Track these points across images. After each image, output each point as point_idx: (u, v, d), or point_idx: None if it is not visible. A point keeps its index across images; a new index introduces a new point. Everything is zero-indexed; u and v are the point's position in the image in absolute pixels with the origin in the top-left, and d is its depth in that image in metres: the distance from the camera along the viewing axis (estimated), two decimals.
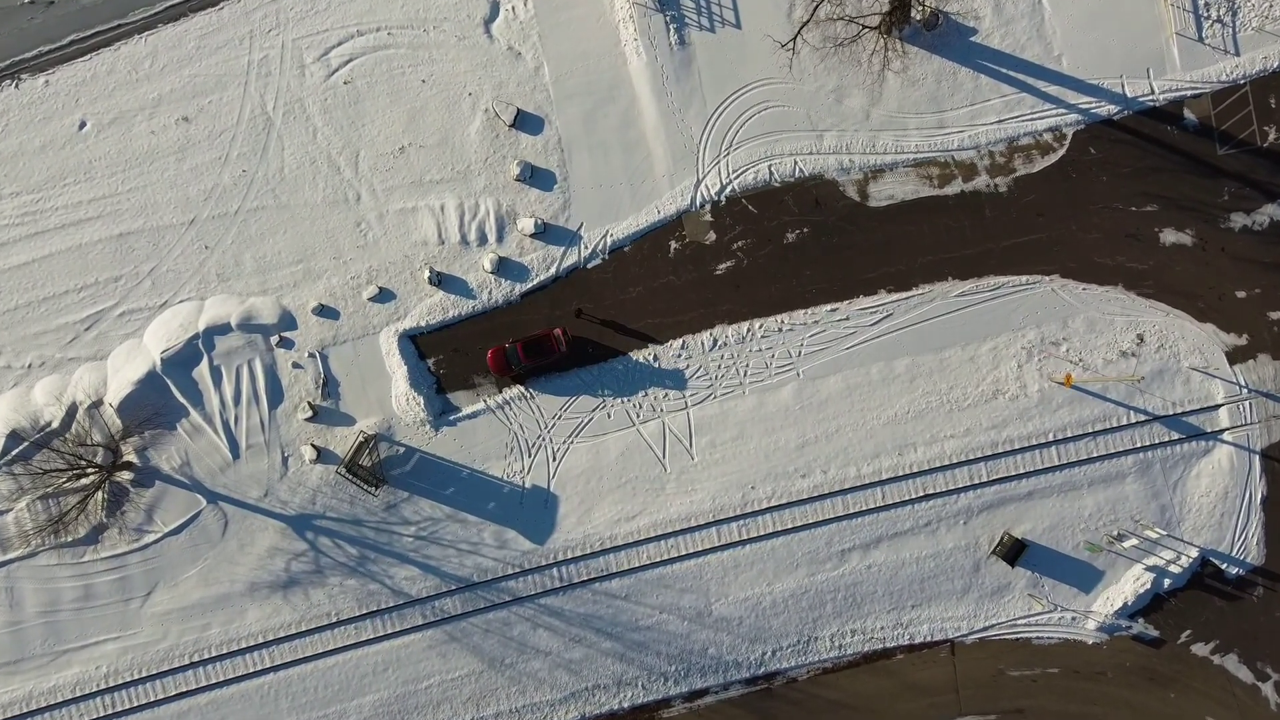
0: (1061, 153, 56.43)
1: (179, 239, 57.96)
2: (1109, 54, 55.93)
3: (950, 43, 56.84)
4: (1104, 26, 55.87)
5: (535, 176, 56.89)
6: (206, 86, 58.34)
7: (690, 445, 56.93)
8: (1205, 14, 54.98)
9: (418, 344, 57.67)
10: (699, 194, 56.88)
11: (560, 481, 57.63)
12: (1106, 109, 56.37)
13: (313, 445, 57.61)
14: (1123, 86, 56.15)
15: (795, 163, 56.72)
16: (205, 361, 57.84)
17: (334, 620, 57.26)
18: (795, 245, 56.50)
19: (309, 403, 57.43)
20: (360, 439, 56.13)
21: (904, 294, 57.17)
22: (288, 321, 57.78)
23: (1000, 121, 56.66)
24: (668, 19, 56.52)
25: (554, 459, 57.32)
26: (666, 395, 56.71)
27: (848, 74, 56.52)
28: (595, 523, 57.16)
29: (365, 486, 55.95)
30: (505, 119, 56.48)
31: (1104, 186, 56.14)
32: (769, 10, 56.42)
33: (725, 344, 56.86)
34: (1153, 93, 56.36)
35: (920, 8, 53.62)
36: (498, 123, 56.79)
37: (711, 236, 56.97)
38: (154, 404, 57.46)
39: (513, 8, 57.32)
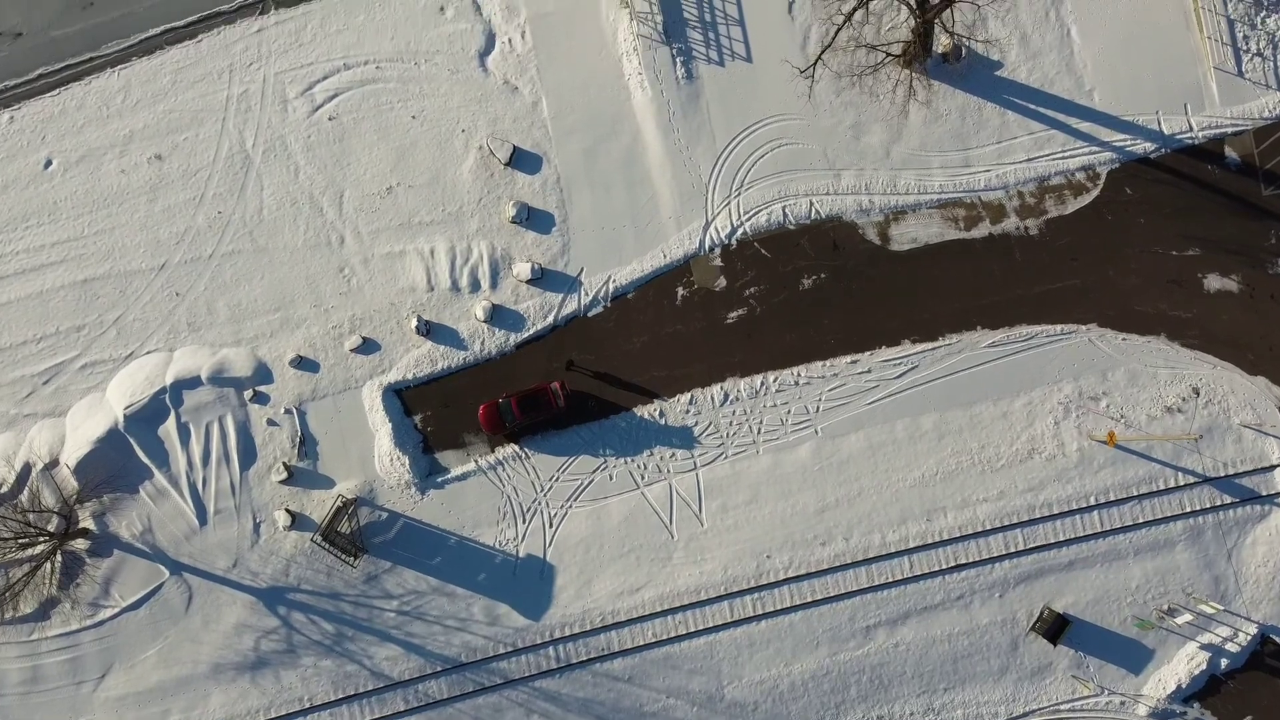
0: (1096, 193, 51.18)
1: (148, 285, 52.14)
2: (1143, 88, 51.02)
3: (975, 76, 52.02)
4: (1137, 60, 51.07)
5: (532, 218, 51.33)
6: (182, 123, 53.30)
7: (700, 510, 51.10)
8: (1244, 47, 50.33)
9: (403, 399, 51.61)
10: (708, 237, 51.55)
11: (558, 550, 51.97)
12: (1142, 146, 51.33)
13: (287, 510, 51.31)
14: (1159, 123, 51.11)
15: (811, 203, 51.30)
16: (172, 418, 51.77)
17: (307, 706, 50.83)
18: (812, 292, 51.03)
19: (284, 463, 51.10)
20: (338, 503, 49.69)
21: (930, 344, 52.34)
22: (263, 374, 51.79)
23: (1029, 160, 51.58)
24: (674, 51, 51.61)
25: (551, 525, 50.94)
26: (673, 455, 50.62)
27: (866, 109, 51.70)
28: (596, 596, 51.48)
29: (343, 556, 49.67)
30: (500, 157, 51.17)
31: (1142, 229, 50.70)
32: (781, 42, 51.84)
33: (737, 399, 50.74)
34: (1191, 129, 51.40)
35: (944, 39, 48.42)
36: (492, 161, 51.46)
37: (722, 282, 51.34)
38: (114, 465, 51.25)
39: (509, 40, 52.38)
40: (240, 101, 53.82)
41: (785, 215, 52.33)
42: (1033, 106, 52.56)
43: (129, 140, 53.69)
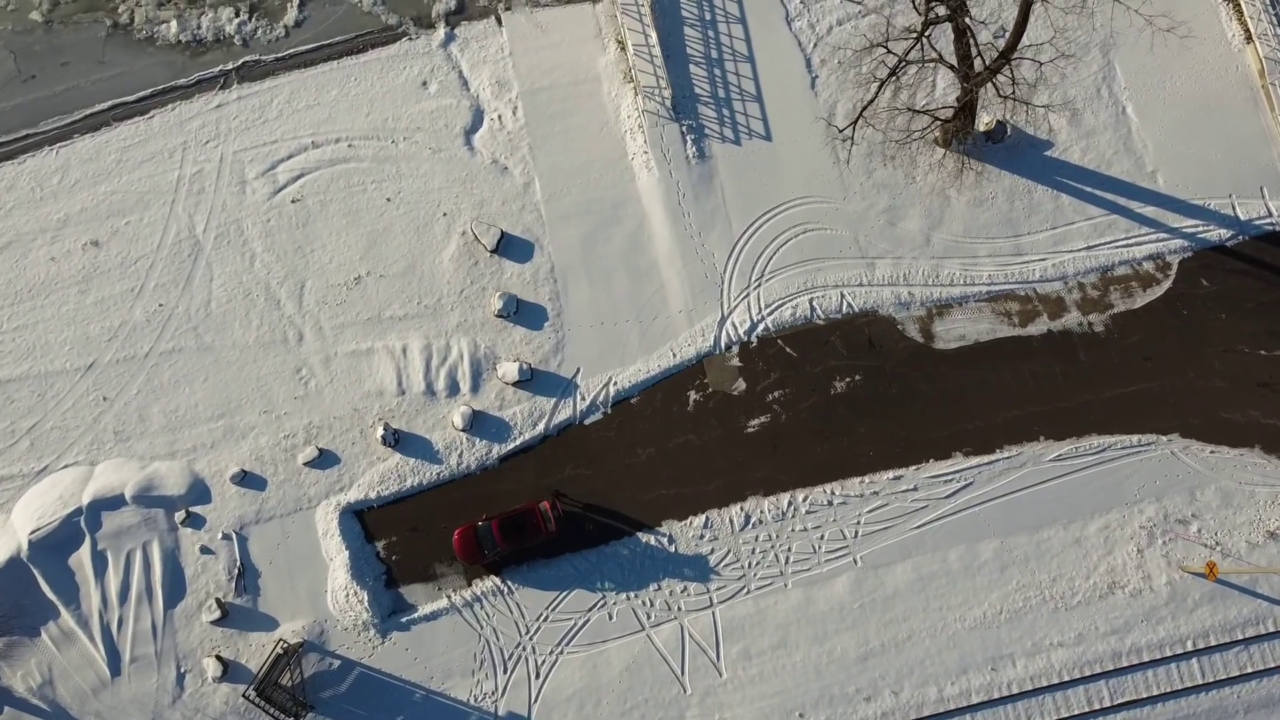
0: (1167, 285, 42.56)
1: (71, 388, 42.43)
2: (1213, 170, 43.22)
3: (1022, 156, 44.27)
4: (1204, 140, 43.65)
5: (521, 312, 42.32)
6: (125, 206, 45.20)
7: (718, 657, 42.52)
8: None
9: (364, 522, 41.55)
10: (724, 333, 42.62)
11: (546, 707, 42.97)
12: (1217, 233, 43.20)
13: (218, 657, 40.71)
14: (1234, 207, 43.04)
15: (842, 295, 42.44)
16: (87, 545, 41.92)
17: None
18: (846, 396, 43.06)
19: (218, 600, 40.58)
20: (279, 649, 38.91)
21: (985, 458, 44.33)
22: (199, 493, 41.88)
23: (1089, 248, 43.22)
24: (684, 129, 43.54)
25: (538, 675, 40.38)
26: (685, 589, 40.98)
27: (902, 192, 43.78)
28: None
29: (281, 716, 38.13)
30: (486, 243, 42.40)
31: (1223, 325, 41.78)
32: (804, 118, 43.56)
33: (761, 521, 40.76)
34: (1270, 214, 42.91)
35: (985, 118, 43.98)
36: (477, 248, 42.67)
37: (740, 385, 41.74)
38: (11, 601, 41.40)
39: (499, 116, 44.29)
40: (193, 182, 45.41)
41: (813, 309, 43.20)
42: (1089, 189, 44.49)
43: (63, 225, 45.57)
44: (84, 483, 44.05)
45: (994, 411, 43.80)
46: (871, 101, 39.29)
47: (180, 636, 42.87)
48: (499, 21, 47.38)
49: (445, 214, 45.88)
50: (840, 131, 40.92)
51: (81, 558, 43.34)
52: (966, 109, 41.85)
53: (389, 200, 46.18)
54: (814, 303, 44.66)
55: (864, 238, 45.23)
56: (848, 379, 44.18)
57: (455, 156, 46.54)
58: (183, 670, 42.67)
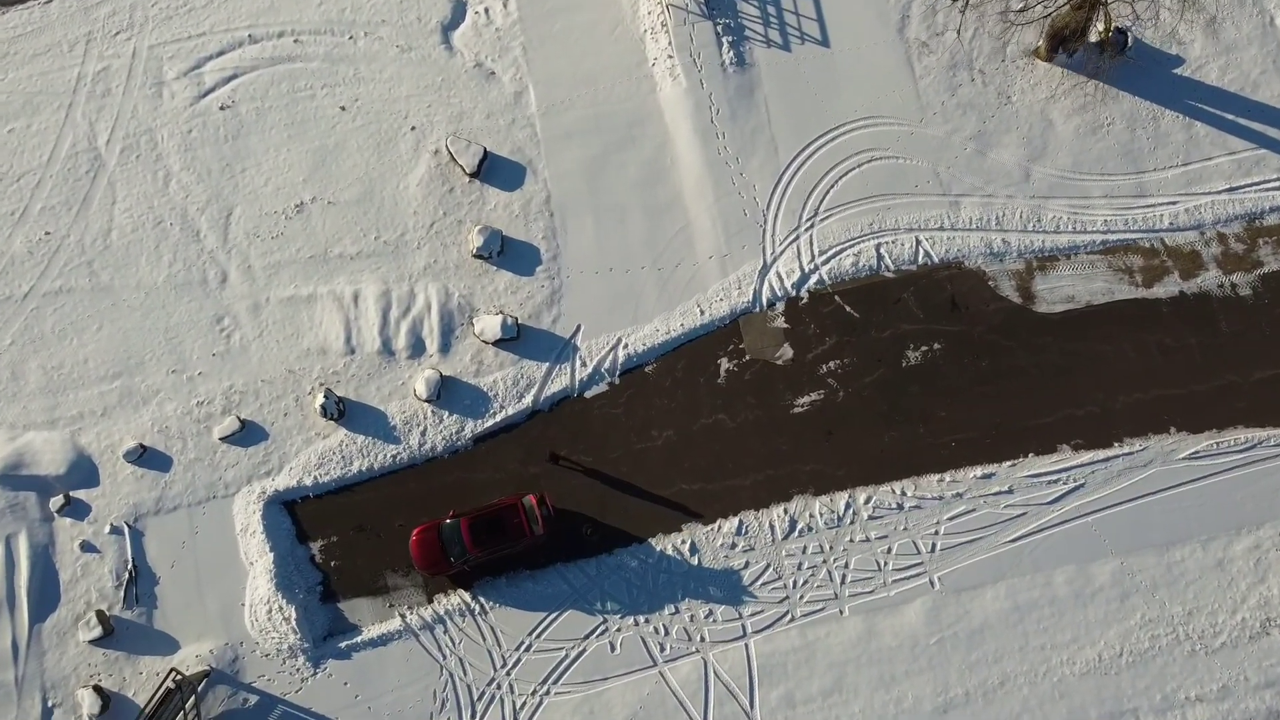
0: None
1: None
2: None
3: (1147, 75, 33.11)
4: None
5: (507, 253, 30.82)
6: (9, 109, 34.78)
7: (751, 704, 31.96)
8: None
9: (296, 517, 30.67)
10: (767, 286, 31.13)
11: None
12: None
13: (97, 688, 30.54)
14: None
15: (918, 242, 30.33)
16: None
17: None
18: (921, 370, 31.29)
19: (100, 613, 30.05)
20: (172, 682, 26.43)
21: (1100, 453, 32.59)
22: (84, 473, 31.34)
23: (1231, 190, 31.41)
24: (719, 28, 31.41)
25: None
26: (711, 615, 30.34)
27: (994, 115, 31.56)
28: None
29: None
30: (465, 165, 30.50)
31: None
32: (868, 20, 33.91)
33: (810, 529, 29.29)
34: None
35: (1098, 26, 31.99)
36: (453, 171, 30.73)
37: (786, 353, 29.66)
38: None
39: (486, 9, 33.17)
40: (96, 82, 33.68)
41: (880, 258, 30.93)
42: (1231, 117, 32.73)
43: None
44: None
45: (1111, 395, 31.72)
46: None
47: (49, 659, 30.43)
48: None
49: (414, 128, 33.48)
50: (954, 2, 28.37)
51: None
52: (1083, 7, 29.62)
53: (343, 109, 33.93)
54: (882, 250, 32.22)
55: (946, 170, 32.88)
56: (924, 348, 31.64)
57: (429, 57, 34.27)
58: (50, 704, 30.39)
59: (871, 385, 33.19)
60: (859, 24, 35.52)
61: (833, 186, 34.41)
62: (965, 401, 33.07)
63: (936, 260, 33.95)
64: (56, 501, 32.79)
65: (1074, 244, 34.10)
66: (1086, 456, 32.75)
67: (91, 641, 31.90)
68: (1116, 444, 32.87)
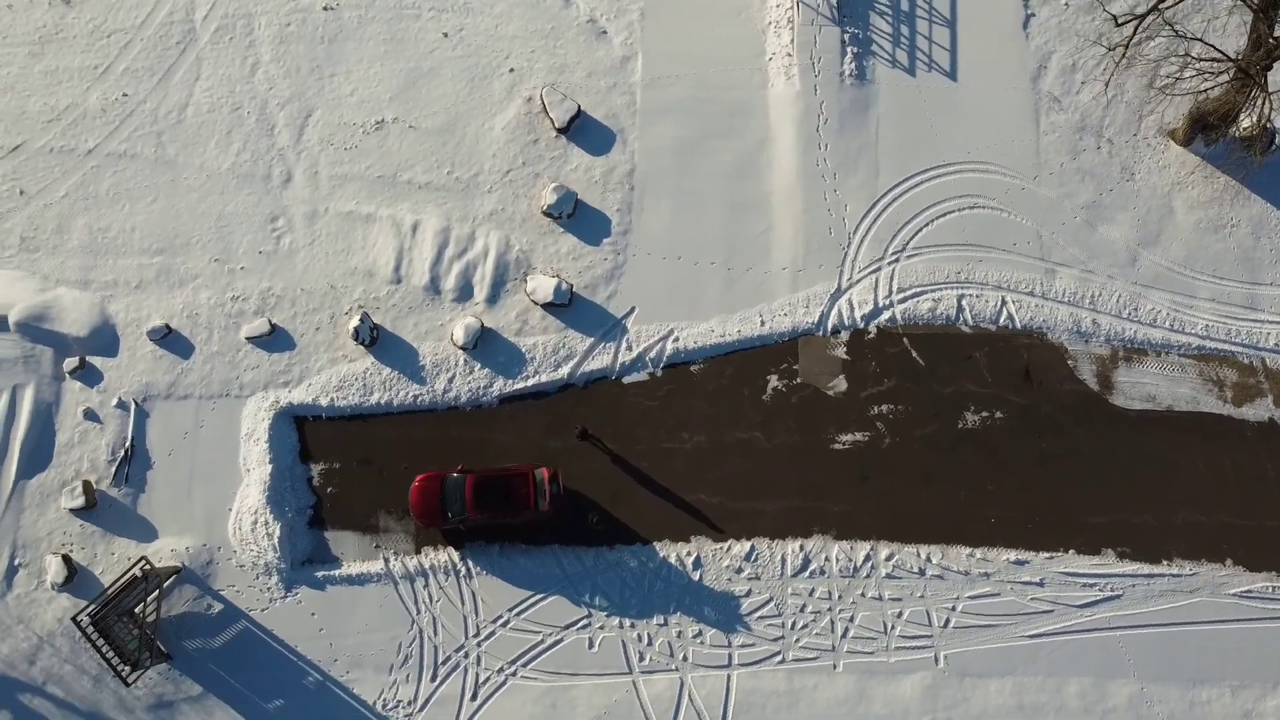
0: None
1: None
2: None
3: None
4: None
5: (578, 216, 29.70)
6: None
7: None
8: None
9: (304, 434, 28.50)
10: (835, 311, 28.34)
11: None
12: None
13: (65, 558, 29.41)
14: None
15: (1004, 302, 28.10)
16: None
17: None
18: (977, 435, 29.91)
19: (87, 484, 29.28)
20: (140, 571, 24.89)
21: (1146, 567, 31.19)
22: (105, 340, 30.66)
23: None
24: (845, 37, 29.37)
25: (474, 697, 29.55)
26: (700, 635, 29.08)
27: (1114, 188, 29.15)
28: None
29: (115, 660, 29.36)
30: (555, 119, 29.18)
31: None
32: (1005, 62, 31.41)
33: (823, 571, 27.68)
34: None
35: (1244, 122, 30.18)
36: (541, 122, 29.70)
37: (840, 385, 27.50)
38: None
39: None
40: None
41: (961, 309, 28.77)
42: None
43: None
44: None
45: (1172, 509, 29.15)
46: (1157, 5, 24.18)
47: (26, 518, 29.45)
48: None
49: (512, 70, 31.76)
50: (1117, 23, 25.88)
51: None
52: (1241, 91, 27.05)
53: (445, 36, 32.37)
54: (964, 301, 29.86)
55: (1050, 235, 30.50)
56: (985, 413, 29.22)
57: (544, 2, 32.09)
58: (16, 562, 29.31)
59: (921, 439, 30.81)
60: (993, 65, 33.17)
61: (927, 225, 32.10)
62: (1016, 479, 30.60)
63: (1018, 325, 31.50)
64: (71, 363, 31.50)
65: (1168, 342, 31.46)
66: (1131, 567, 30.20)
67: (72, 510, 30.63)
68: (1166, 561, 30.24)
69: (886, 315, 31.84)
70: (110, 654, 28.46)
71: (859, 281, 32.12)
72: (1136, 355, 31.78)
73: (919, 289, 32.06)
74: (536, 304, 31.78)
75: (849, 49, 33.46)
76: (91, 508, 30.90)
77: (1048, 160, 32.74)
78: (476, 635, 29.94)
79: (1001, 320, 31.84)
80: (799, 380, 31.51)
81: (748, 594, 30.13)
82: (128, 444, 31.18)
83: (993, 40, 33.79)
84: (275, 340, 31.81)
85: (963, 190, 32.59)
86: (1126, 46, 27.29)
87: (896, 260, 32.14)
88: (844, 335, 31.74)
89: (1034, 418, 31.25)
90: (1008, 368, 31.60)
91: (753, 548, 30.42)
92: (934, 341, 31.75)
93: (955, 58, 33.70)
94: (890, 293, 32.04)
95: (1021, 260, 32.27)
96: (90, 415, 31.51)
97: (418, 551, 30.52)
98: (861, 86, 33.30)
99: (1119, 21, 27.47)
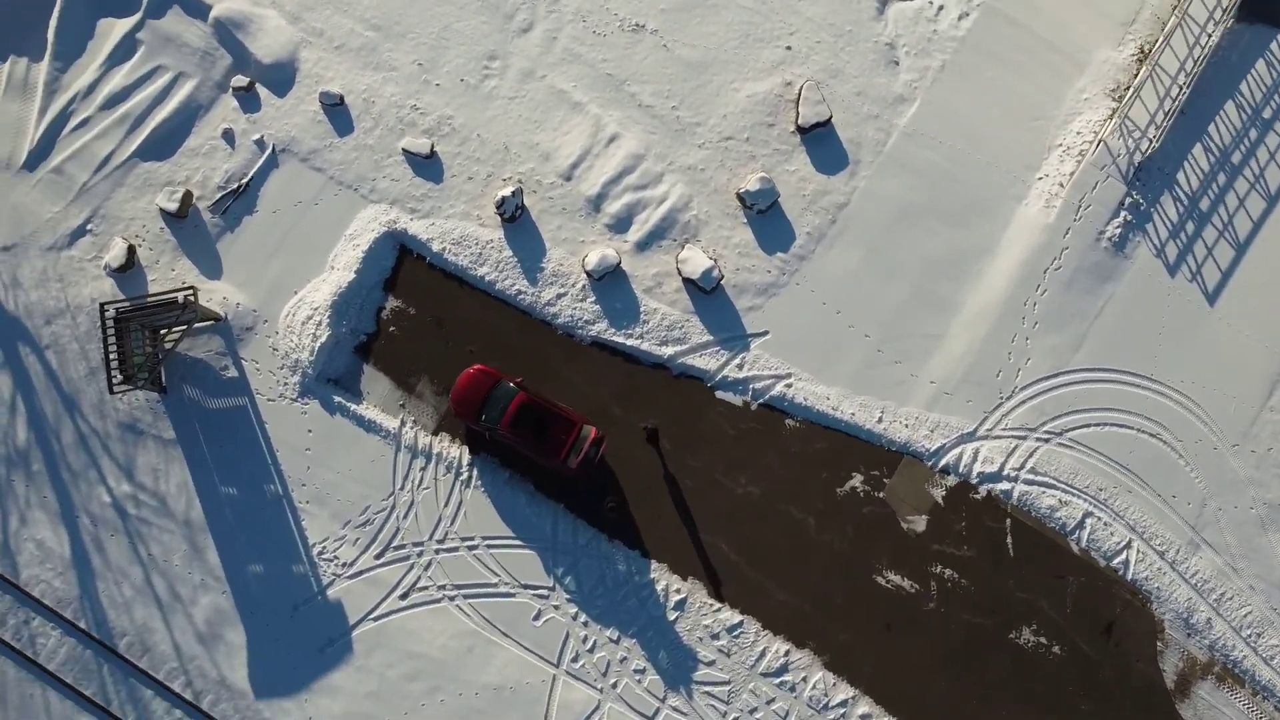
0: None
1: None
2: None
3: None
4: None
5: (767, 216, 26.30)
6: None
7: None
8: None
9: (401, 264, 26.48)
10: (956, 453, 24.39)
11: (367, 643, 27.89)
12: None
13: (131, 248, 26.16)
14: None
15: (1129, 546, 26.80)
16: (130, 22, 28.51)
17: None
18: (1024, 656, 28.08)
19: (187, 194, 27.78)
20: (182, 296, 23.15)
21: None
22: (282, 77, 30.08)
23: None
24: (1126, 201, 25.60)
25: (403, 596, 27.53)
26: (643, 673, 28.43)
27: None
28: None
29: (112, 366, 28.93)
30: (801, 116, 28.51)
31: None
32: (1270, 320, 26.17)
33: (794, 689, 26.09)
34: None
35: None
36: (787, 111, 30.11)
37: (918, 525, 24.29)
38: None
39: (941, 7, 26.98)
40: None
41: (1081, 527, 25.38)
42: None
43: None
44: None
45: None
46: None
47: (120, 194, 28.34)
48: None
49: (789, 48, 28.83)
50: None
51: (113, 28, 28.28)
52: None
53: None
54: (1089, 521, 25.95)
55: (1217, 510, 26.35)
56: (1044, 639, 25.30)
57: (855, 4, 29.02)
58: (89, 227, 28.05)
59: (966, 624, 26.97)
60: (1257, 313, 28.80)
61: (1098, 425, 28.03)
62: (1034, 718, 26.46)
63: (1129, 577, 27.33)
64: (240, 81, 30.11)
65: (1273, 687, 26.71)
66: None
67: (162, 210, 29.34)
68: None
69: (1004, 486, 27.96)
70: (114, 356, 26.77)
71: (997, 439, 28.23)
72: (1232, 680, 27.28)
73: (1052, 481, 28.09)
74: (679, 275, 28.81)
75: (1123, 213, 29.51)
76: (181, 218, 29.45)
77: (1258, 437, 28.34)
78: (440, 542, 27.49)
79: (1115, 561, 27.71)
80: (882, 495, 27.90)
81: (710, 663, 26.89)
82: (245, 180, 29.57)
83: (1270, 289, 29.33)
84: (427, 166, 29.71)
85: (1154, 413, 28.45)
86: None
87: (1046, 440, 28.20)
88: (951, 480, 28.00)
89: (1091, 674, 27.04)
90: (1093, 611, 27.47)
91: (741, 624, 27.19)
92: (1037, 540, 27.79)
93: (1225, 284, 29.41)
94: (1021, 468, 28.17)
95: (1171, 517, 27.99)
96: (228, 136, 30.00)
97: (435, 433, 28.15)
98: (1114, 255, 29.35)
99: None
